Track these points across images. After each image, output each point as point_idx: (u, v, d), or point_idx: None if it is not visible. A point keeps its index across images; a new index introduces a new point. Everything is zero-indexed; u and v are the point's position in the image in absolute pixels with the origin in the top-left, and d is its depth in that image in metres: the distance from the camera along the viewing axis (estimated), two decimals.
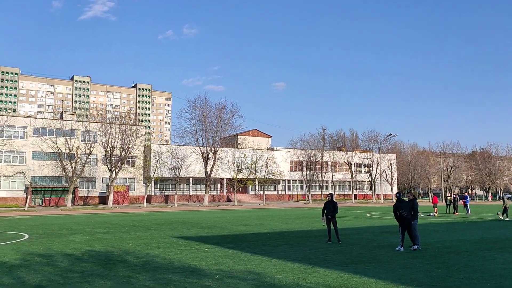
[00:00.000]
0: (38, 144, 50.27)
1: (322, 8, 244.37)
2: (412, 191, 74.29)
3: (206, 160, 53.48)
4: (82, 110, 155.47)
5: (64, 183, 51.05)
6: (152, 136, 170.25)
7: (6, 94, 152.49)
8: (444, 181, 75.46)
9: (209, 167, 53.47)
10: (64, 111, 62.02)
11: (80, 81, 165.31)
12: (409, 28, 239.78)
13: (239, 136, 71.19)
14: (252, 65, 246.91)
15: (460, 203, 37.25)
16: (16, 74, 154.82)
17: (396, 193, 14.38)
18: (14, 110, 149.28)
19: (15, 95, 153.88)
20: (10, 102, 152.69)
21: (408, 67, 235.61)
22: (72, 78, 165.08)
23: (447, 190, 72.18)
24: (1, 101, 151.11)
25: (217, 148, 54.48)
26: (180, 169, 54.18)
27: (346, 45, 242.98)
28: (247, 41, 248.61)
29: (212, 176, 55.30)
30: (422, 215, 29.77)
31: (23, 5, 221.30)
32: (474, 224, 23.94)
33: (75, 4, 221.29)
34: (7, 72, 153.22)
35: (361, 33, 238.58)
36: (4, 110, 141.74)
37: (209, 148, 53.51)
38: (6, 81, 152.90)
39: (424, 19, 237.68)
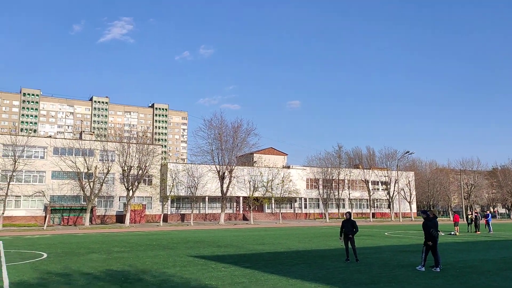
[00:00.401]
0: (57, 163, 51.12)
1: (336, 29, 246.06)
2: (432, 209, 72.69)
3: (222, 178, 53.55)
4: (101, 130, 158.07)
5: (82, 202, 51.62)
6: (169, 155, 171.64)
7: (28, 115, 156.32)
8: (464, 199, 73.84)
9: (225, 186, 53.48)
10: (83, 131, 63.20)
11: (98, 102, 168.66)
12: (429, 49, 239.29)
13: (254, 155, 71.19)
14: (267, 84, 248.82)
15: (482, 221, 36.34)
16: (37, 95, 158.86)
17: (425, 210, 13.95)
18: (35, 131, 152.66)
19: (36, 116, 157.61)
20: (31, 123, 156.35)
21: (425, 84, 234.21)
22: (91, 99, 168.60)
23: (468, 208, 70.57)
24: (23, 122, 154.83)
25: (233, 167, 54.54)
26: (196, 188, 54.31)
27: (362, 64, 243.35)
28: (262, 60, 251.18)
29: (228, 194, 55.25)
30: (443, 234, 29.11)
31: (45, 29, 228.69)
32: (497, 243, 23.29)
33: (94, 27, 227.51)
34: (29, 94, 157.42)
35: (377, 52, 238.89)
36: (25, 131, 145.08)
37: (225, 166, 53.63)
38: (27, 103, 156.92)
39: (443, 40, 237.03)
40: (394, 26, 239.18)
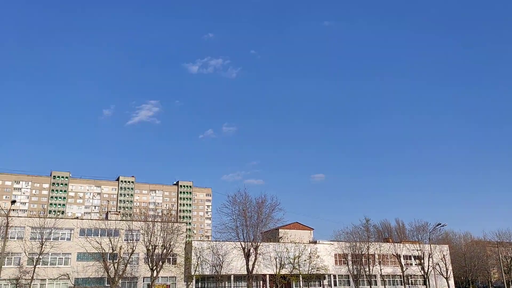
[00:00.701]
0: (83, 245, 51.11)
1: (358, 101, 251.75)
2: (471, 285, 68.31)
3: (247, 255, 52.22)
4: (126, 209, 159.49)
5: (106, 285, 50.71)
6: (193, 232, 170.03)
7: (57, 197, 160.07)
8: (505, 273, 69.24)
9: (250, 263, 51.99)
10: (109, 211, 63.89)
11: (125, 181, 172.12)
12: (453, 111, 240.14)
13: (280, 230, 69.83)
14: (290, 158, 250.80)
15: None
16: (67, 177, 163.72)
17: None
18: (63, 212, 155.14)
19: (64, 198, 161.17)
20: (60, 204, 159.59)
21: (452, 152, 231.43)
22: (117, 179, 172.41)
23: (510, 283, 65.92)
24: (51, 204, 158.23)
25: (258, 243, 53.36)
26: (221, 266, 52.94)
27: (387, 134, 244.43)
28: (285, 135, 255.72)
29: (254, 272, 53.51)
30: None
31: (76, 113, 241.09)
32: None
33: (123, 111, 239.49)
34: (58, 176, 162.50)
35: (403, 122, 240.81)
36: (54, 213, 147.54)
37: (250, 243, 52.55)
38: (57, 185, 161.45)
39: (470, 99, 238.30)
40: (414, 97, 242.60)
